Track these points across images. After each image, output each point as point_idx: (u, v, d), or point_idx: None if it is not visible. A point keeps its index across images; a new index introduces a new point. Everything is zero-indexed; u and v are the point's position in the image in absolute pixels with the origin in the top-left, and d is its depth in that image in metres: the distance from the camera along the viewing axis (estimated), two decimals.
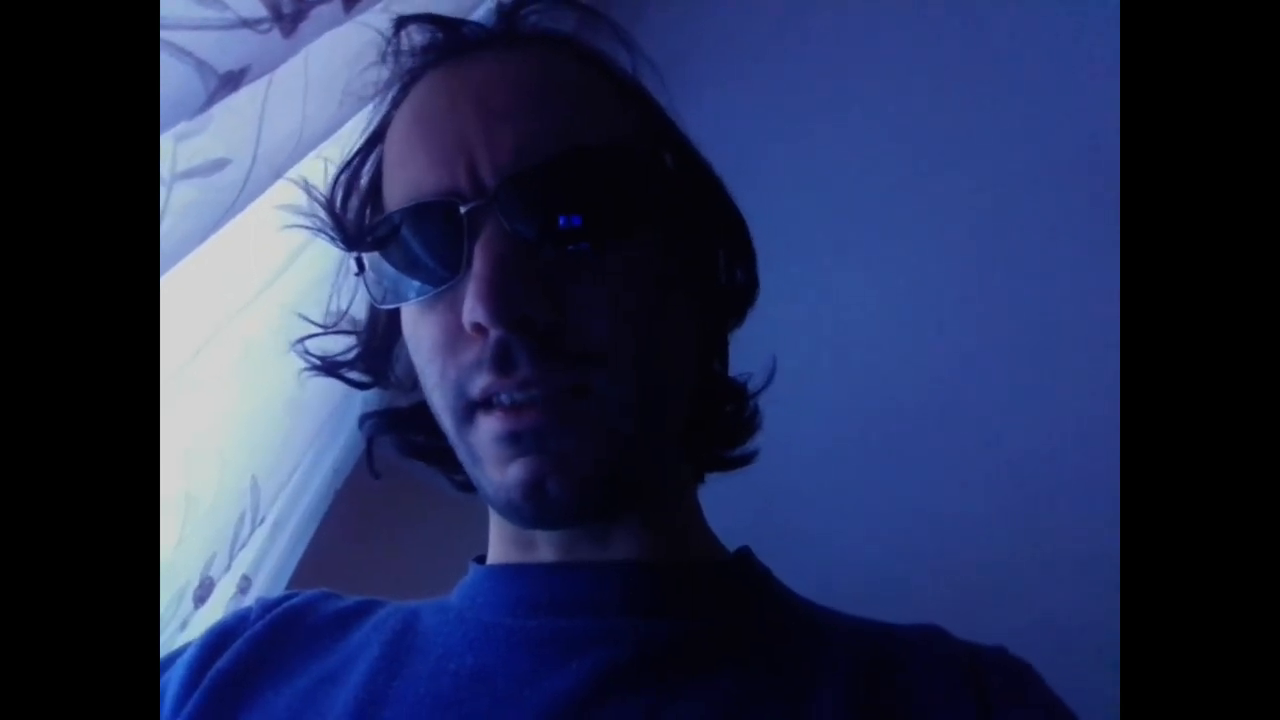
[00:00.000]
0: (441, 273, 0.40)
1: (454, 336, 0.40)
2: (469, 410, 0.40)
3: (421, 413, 0.46)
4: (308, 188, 0.48)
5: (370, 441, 0.51)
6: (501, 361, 0.38)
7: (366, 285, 0.44)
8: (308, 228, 0.47)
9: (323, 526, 0.90)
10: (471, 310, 0.37)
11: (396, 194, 0.42)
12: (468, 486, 0.45)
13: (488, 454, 0.40)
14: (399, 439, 0.50)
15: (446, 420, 0.42)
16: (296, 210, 0.48)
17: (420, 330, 0.42)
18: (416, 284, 0.41)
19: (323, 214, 0.47)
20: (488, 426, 0.39)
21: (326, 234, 0.46)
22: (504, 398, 0.39)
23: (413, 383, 0.48)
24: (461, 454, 0.42)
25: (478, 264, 0.38)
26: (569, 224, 0.39)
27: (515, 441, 0.39)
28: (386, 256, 0.42)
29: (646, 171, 0.44)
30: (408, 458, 0.50)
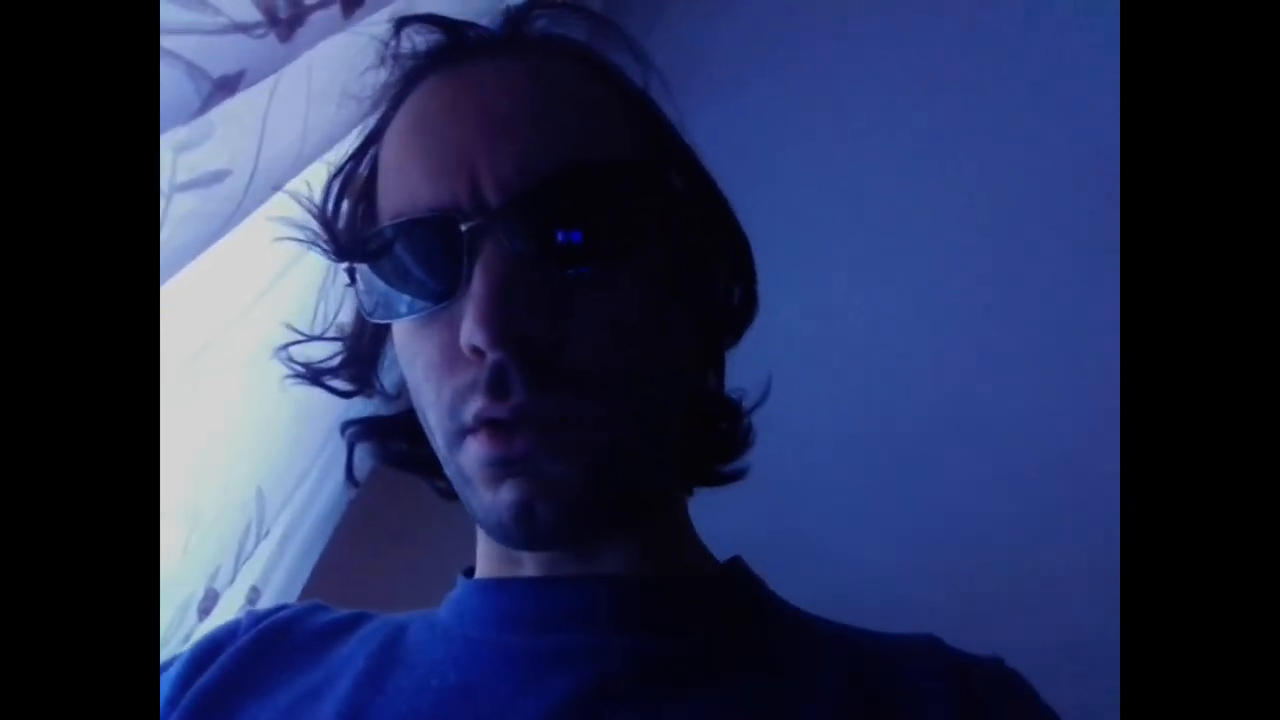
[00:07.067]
0: (438, 290, 0.39)
1: (450, 357, 0.39)
2: (460, 434, 0.39)
3: (403, 421, 0.45)
4: (300, 199, 0.46)
5: (351, 449, 0.50)
6: (497, 386, 0.37)
7: (358, 297, 0.43)
8: (300, 240, 0.46)
9: (336, 537, 0.89)
10: (471, 333, 0.36)
11: (392, 203, 0.41)
12: (451, 494, 0.44)
13: (477, 475, 0.39)
14: (380, 447, 0.49)
15: (438, 440, 0.41)
16: (289, 222, 0.47)
17: (414, 347, 0.41)
18: (411, 300, 0.40)
19: (315, 225, 0.45)
20: (477, 450, 0.38)
21: (319, 246, 0.45)
22: (494, 417, 0.38)
23: (399, 392, 0.46)
24: (451, 473, 0.41)
25: (478, 285, 0.37)
26: (570, 243, 0.38)
27: (505, 465, 0.38)
28: (380, 269, 0.41)
29: (651, 191, 0.43)
30: (388, 466, 0.49)
